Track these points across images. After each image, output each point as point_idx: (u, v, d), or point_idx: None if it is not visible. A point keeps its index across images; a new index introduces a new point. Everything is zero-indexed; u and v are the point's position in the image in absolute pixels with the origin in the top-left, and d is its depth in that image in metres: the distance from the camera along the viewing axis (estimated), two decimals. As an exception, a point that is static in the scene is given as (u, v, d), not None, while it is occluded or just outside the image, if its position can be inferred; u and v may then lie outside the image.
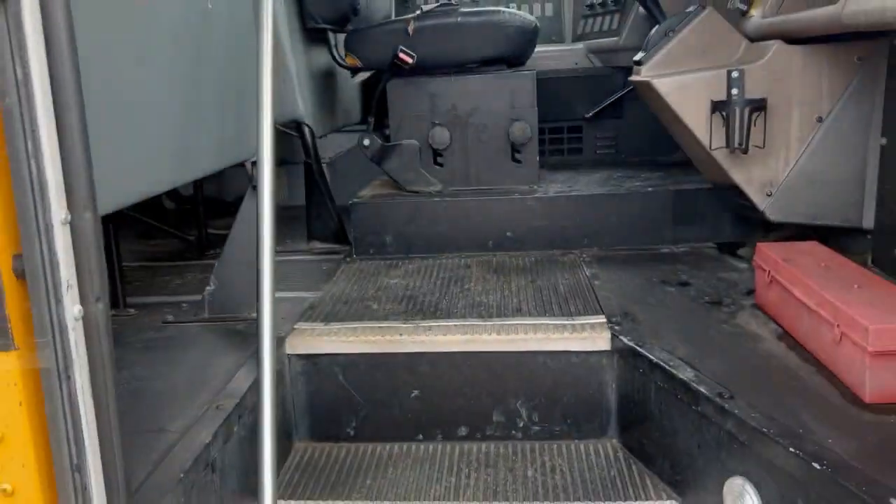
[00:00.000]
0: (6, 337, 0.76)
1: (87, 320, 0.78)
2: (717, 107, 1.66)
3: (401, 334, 1.52)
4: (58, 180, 0.75)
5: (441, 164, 2.20)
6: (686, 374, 1.26)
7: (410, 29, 2.12)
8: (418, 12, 2.18)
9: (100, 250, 0.79)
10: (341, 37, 2.26)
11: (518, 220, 2.08)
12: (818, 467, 0.95)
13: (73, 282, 0.77)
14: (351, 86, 2.58)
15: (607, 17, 2.77)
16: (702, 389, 1.20)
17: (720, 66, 1.70)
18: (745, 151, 1.66)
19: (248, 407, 1.28)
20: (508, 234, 2.08)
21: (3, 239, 0.76)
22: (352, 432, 1.53)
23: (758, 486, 1.11)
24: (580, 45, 2.86)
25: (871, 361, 1.10)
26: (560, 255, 2.02)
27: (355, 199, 2.14)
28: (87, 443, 0.80)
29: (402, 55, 2.05)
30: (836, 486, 0.92)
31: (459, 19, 2.18)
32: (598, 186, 2.18)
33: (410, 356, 1.51)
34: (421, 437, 1.52)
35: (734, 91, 1.64)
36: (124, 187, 1.09)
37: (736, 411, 1.12)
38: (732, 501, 1.18)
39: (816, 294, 1.26)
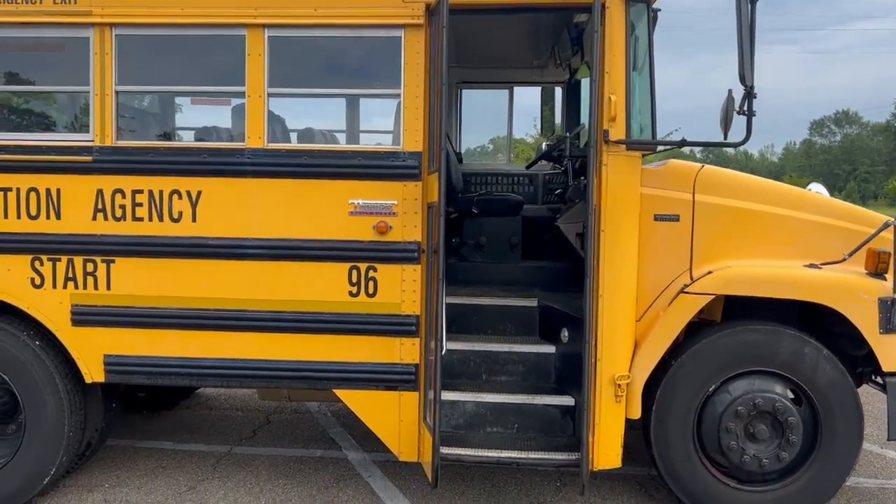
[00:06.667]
0: (418, 261, 4.06)
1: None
2: (577, 234, 5.01)
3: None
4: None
5: (482, 251, 5.56)
6: (557, 305, 4.58)
7: (474, 199, 5.58)
8: (478, 192, 5.64)
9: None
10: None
11: (509, 268, 5.42)
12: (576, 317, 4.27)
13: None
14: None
15: (556, 196, 6.23)
16: (561, 308, 4.52)
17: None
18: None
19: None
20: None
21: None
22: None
23: (567, 329, 4.40)
24: (544, 207, 6.32)
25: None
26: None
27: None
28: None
29: (473, 209, 5.48)
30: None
31: (493, 197, 5.66)
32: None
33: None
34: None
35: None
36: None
37: (566, 310, 4.44)
38: (564, 333, 4.45)
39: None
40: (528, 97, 7.27)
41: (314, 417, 6.08)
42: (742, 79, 3.74)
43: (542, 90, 6.93)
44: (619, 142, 3.92)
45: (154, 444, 5.42)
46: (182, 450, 5.31)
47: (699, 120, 3.86)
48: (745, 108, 3.80)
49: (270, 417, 6.09)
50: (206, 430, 5.75)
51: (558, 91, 6.71)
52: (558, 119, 6.74)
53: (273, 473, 4.86)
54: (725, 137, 3.91)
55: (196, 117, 5.90)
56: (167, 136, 5.01)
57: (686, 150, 4.18)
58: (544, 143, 6.55)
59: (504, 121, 6.95)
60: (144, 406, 6.16)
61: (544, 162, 6.31)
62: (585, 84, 6.04)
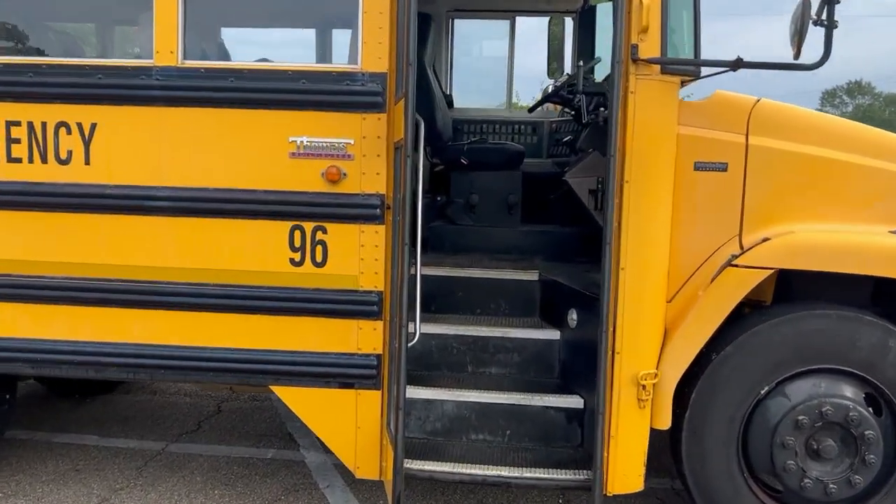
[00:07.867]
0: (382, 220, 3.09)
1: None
2: (590, 191, 4.01)
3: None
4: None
5: (474, 211, 4.57)
6: (563, 280, 3.60)
7: (465, 148, 4.57)
8: (469, 140, 4.62)
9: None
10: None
11: (505, 233, 4.44)
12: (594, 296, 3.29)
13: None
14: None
15: (564, 147, 5.22)
16: (569, 284, 3.54)
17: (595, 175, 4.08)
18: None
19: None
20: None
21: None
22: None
23: (577, 311, 3.43)
24: (549, 160, 5.31)
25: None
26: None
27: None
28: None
29: (462, 160, 4.48)
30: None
31: (487, 146, 4.63)
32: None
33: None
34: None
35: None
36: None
37: (575, 286, 3.46)
38: (571, 316, 3.48)
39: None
40: (534, 65, 6.18)
41: (273, 406, 5.15)
42: (823, -25, 2.72)
43: (548, 40, 5.79)
44: (651, 61, 2.89)
45: (75, 439, 4.49)
46: (108, 446, 4.39)
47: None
48: (825, 16, 2.78)
49: (222, 406, 5.17)
50: (143, 421, 4.83)
51: (569, 30, 5.62)
52: (568, 68, 5.65)
53: (210, 479, 3.94)
54: (797, 56, 2.88)
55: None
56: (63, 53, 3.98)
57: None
58: (551, 85, 5.49)
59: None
60: (77, 390, 5.24)
61: (550, 107, 5.29)
62: (602, 10, 4.99)
